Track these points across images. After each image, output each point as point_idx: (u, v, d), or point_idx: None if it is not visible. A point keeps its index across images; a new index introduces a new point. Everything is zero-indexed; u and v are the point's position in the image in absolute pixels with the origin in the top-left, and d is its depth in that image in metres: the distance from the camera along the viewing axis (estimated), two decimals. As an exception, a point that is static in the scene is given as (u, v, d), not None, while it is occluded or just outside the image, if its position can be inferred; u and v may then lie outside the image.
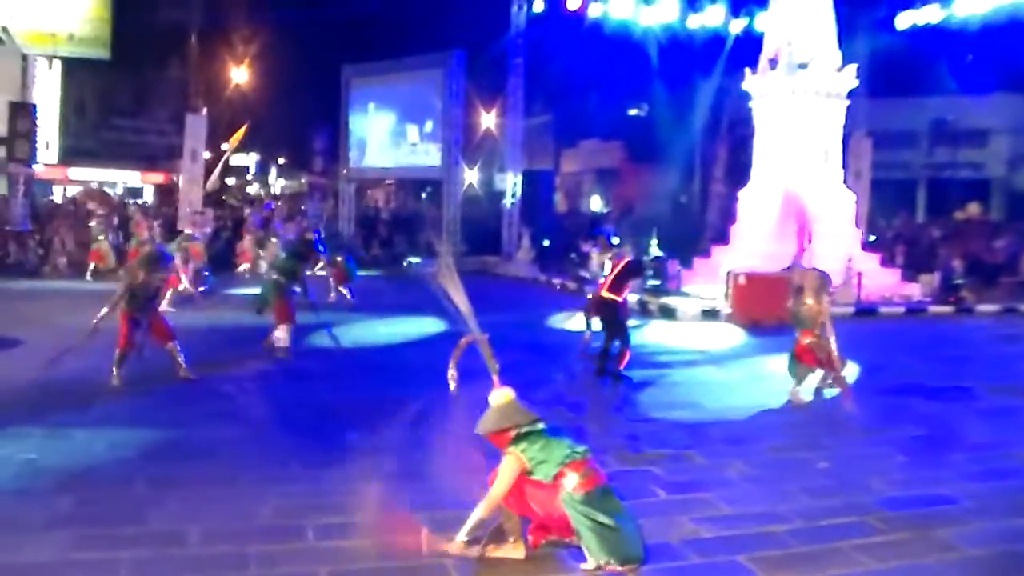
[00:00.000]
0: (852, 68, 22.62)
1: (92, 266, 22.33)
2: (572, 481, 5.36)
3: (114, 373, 10.52)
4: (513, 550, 5.74)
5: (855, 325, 17.64)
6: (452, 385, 6.51)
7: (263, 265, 22.86)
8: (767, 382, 11.96)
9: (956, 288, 21.92)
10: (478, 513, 5.55)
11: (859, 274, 20.54)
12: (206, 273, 19.68)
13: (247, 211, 31.86)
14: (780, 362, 11.58)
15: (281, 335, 12.65)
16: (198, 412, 9.59)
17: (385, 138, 34.49)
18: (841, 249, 20.42)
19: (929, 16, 27.73)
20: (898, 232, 32.30)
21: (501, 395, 5.70)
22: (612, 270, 12.42)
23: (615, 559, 5.23)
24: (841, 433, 9.59)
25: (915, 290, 22.51)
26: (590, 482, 5.40)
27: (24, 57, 29.47)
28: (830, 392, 10.96)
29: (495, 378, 5.78)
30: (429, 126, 32.71)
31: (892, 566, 5.90)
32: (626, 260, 12.52)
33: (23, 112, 27.91)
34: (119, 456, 7.81)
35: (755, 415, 10.32)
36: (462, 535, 5.57)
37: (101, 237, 23.17)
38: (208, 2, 31.95)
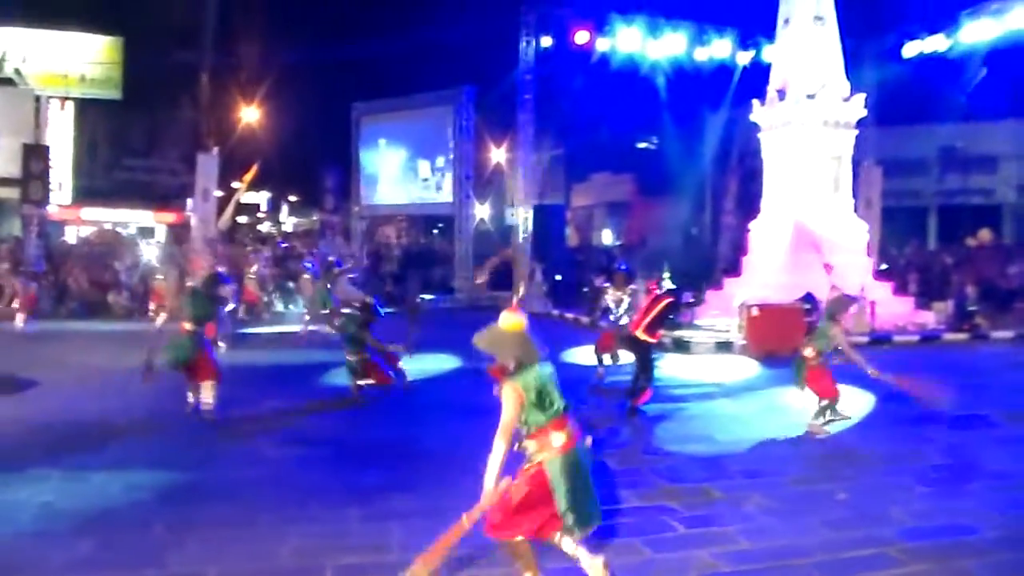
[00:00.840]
0: (860, 97, 22.70)
1: (153, 306, 19.82)
2: (559, 440, 5.44)
3: (192, 402, 10.94)
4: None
5: (869, 354, 17.31)
6: (480, 281, 6.34)
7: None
8: (783, 414, 11.93)
9: (970, 315, 21.87)
10: (494, 456, 5.32)
11: (872, 303, 20.50)
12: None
13: (304, 251, 31.13)
14: (796, 393, 11.54)
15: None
16: (215, 453, 9.61)
17: (397, 174, 34.64)
18: (854, 278, 20.27)
19: (936, 45, 27.86)
20: (910, 260, 32.18)
21: (514, 320, 5.54)
22: (649, 309, 11.97)
23: (579, 517, 5.37)
24: (859, 464, 9.53)
25: (929, 318, 22.47)
26: (571, 441, 5.49)
27: (37, 98, 29.81)
28: (839, 427, 10.91)
29: (515, 300, 5.71)
30: (441, 161, 32.87)
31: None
32: (667, 300, 12.10)
33: (37, 154, 28.12)
34: (137, 498, 7.82)
35: (772, 447, 10.29)
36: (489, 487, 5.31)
37: (160, 276, 21.73)
38: (218, 42, 32.22)
